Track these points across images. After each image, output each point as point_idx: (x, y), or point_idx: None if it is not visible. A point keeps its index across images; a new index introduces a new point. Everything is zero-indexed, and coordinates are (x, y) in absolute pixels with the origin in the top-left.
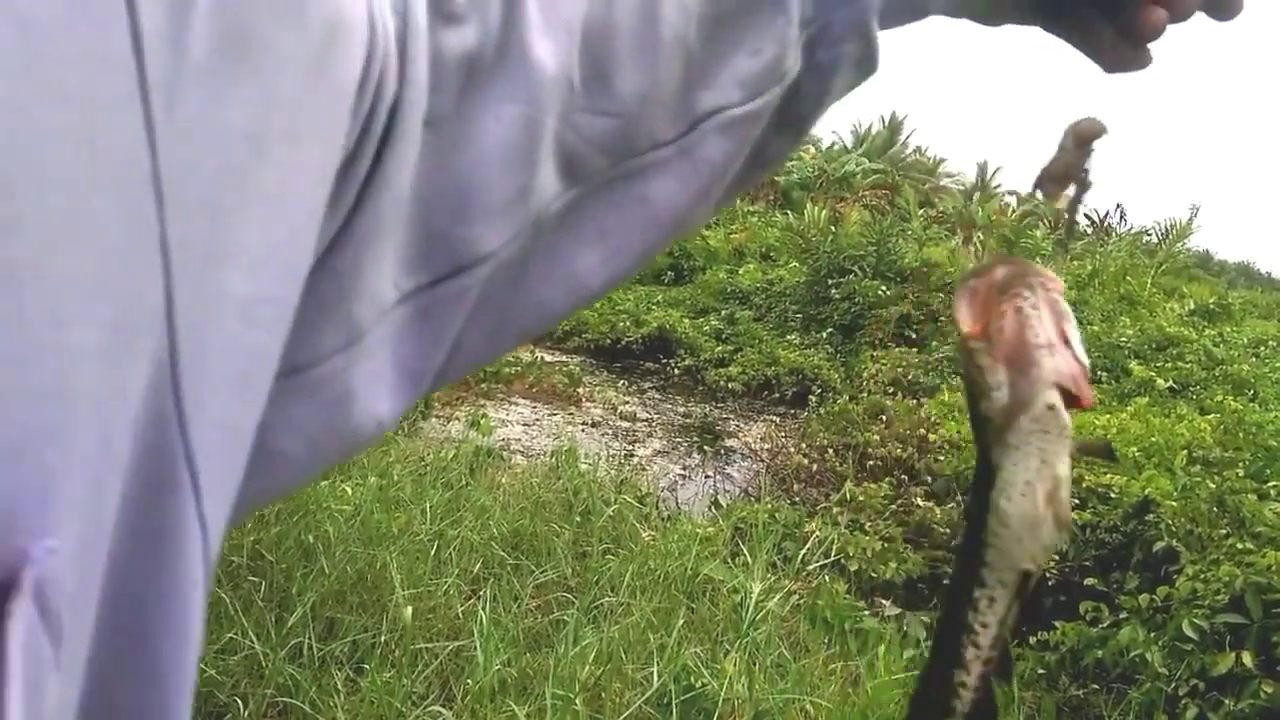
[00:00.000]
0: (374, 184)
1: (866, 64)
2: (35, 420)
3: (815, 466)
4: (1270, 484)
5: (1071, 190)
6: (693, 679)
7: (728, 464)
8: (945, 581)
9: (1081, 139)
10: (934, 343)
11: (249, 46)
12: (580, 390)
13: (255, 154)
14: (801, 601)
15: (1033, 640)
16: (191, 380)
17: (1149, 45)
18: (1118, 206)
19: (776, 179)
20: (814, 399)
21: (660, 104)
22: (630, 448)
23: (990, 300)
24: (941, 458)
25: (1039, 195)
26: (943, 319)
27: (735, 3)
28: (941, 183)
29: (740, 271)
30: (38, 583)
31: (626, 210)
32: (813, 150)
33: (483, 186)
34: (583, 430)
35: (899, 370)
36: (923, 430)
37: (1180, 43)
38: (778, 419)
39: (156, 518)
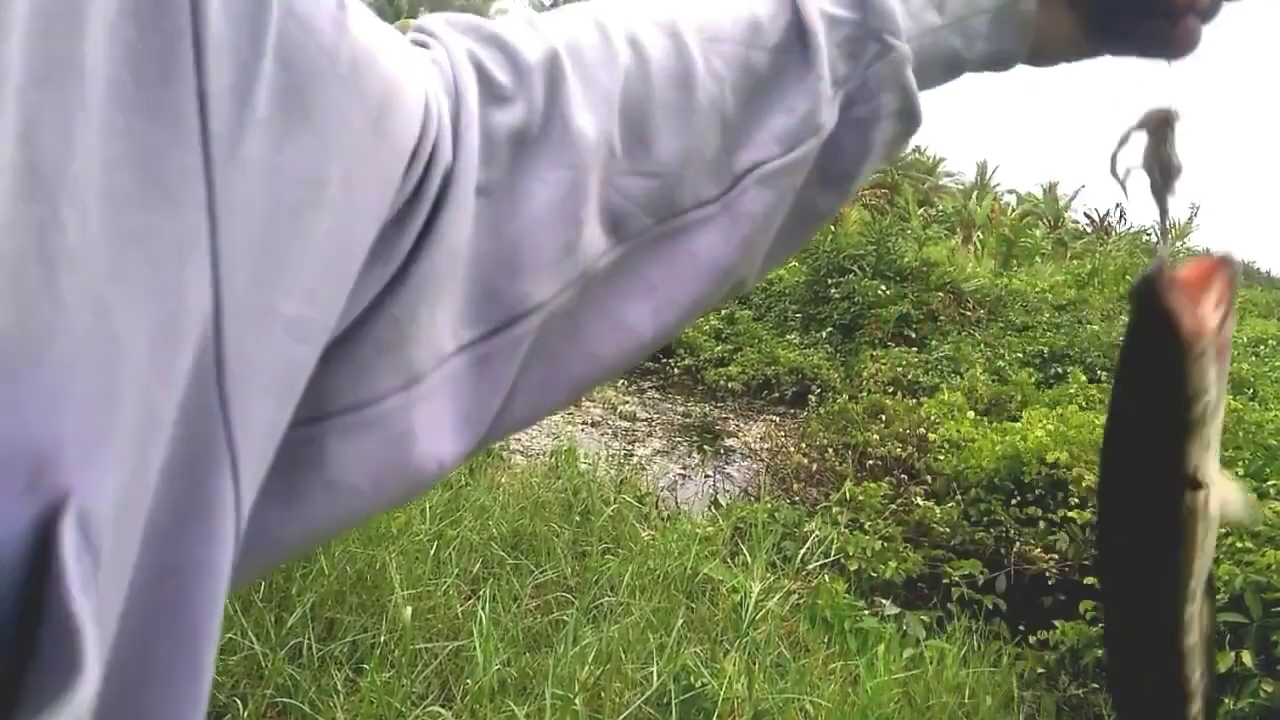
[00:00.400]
0: (428, 240)
1: (908, 116)
2: (74, 380)
3: (815, 466)
4: (1269, 483)
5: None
6: (692, 679)
7: (727, 463)
8: (945, 581)
9: (1157, 125)
10: (933, 342)
11: (309, 105)
12: None
13: (310, 196)
14: (801, 601)
15: (1032, 639)
16: (235, 378)
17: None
18: (1117, 206)
19: None
20: (814, 398)
21: (701, 165)
22: (630, 447)
23: (1197, 297)
24: (941, 457)
25: (1122, 178)
26: (942, 318)
27: (768, 68)
28: (941, 182)
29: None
30: (81, 510)
31: (674, 265)
32: None
33: (532, 245)
34: (582, 430)
35: (899, 370)
36: (922, 430)
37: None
38: (777, 418)
39: (199, 494)
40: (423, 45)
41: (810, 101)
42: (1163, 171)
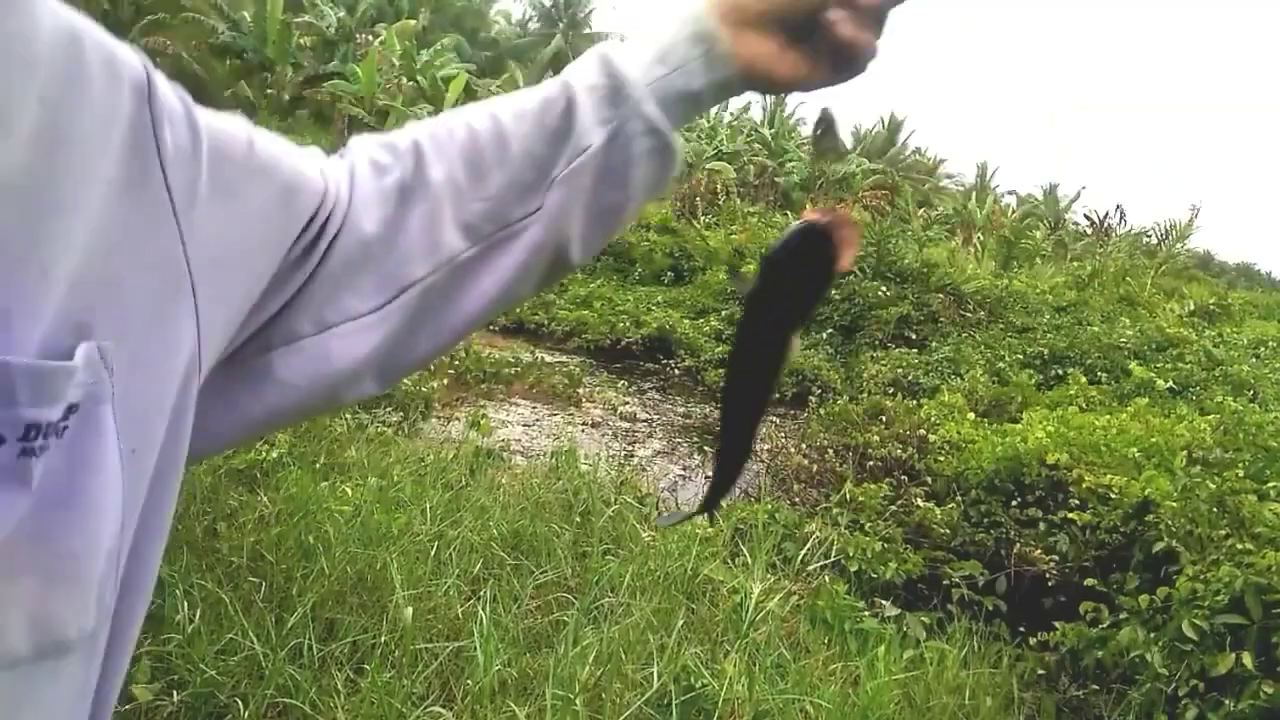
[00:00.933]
0: (329, 255)
1: (658, 135)
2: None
3: (815, 467)
4: (1270, 484)
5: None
6: (693, 679)
7: None
8: (946, 582)
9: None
10: (934, 343)
11: (233, 192)
12: (580, 391)
13: (241, 245)
14: (801, 602)
15: (1033, 640)
16: (206, 352)
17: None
18: (1118, 207)
19: (776, 180)
20: (814, 399)
21: (523, 189)
22: (630, 448)
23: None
24: (941, 458)
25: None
26: (942, 320)
27: (556, 122)
28: (941, 183)
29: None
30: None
31: (510, 253)
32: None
33: (410, 247)
34: (583, 431)
35: (899, 371)
36: (922, 431)
37: (1180, 43)
38: (778, 419)
39: (182, 425)
40: (350, 150)
41: (579, 134)
42: (825, 141)
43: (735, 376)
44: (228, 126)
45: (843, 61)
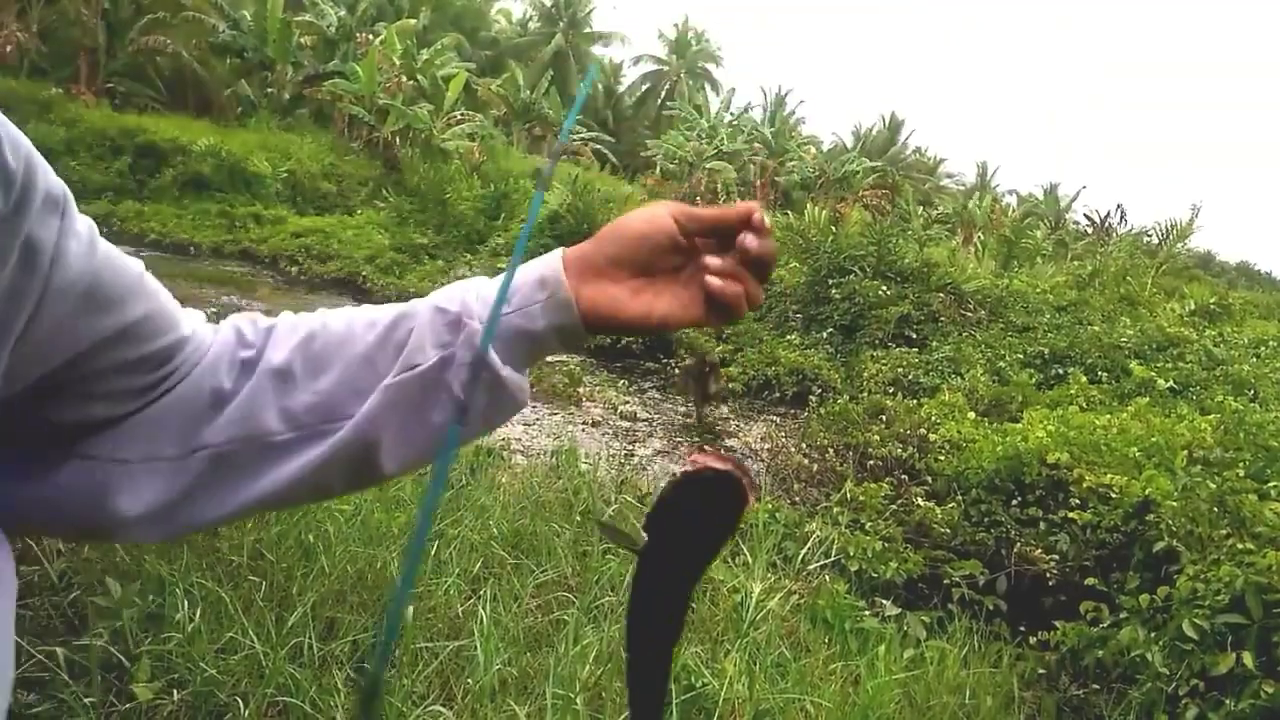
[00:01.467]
0: (165, 395)
1: (493, 388)
2: None
3: (815, 466)
4: (1270, 484)
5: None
6: (693, 679)
7: None
8: (946, 581)
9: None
10: (934, 343)
11: (107, 306)
12: (580, 390)
13: (95, 334)
14: (802, 601)
15: (1033, 640)
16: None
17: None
18: (1118, 207)
19: (777, 179)
20: (814, 399)
21: (353, 393)
22: (630, 447)
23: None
24: (942, 458)
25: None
26: (943, 319)
27: (400, 340)
28: (941, 183)
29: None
30: None
31: (322, 447)
32: (813, 150)
33: (228, 413)
34: (583, 430)
35: (899, 370)
36: (923, 430)
37: (1181, 42)
38: (778, 419)
39: None
40: (229, 318)
41: (413, 351)
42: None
43: (635, 633)
44: (129, 260)
45: (717, 307)
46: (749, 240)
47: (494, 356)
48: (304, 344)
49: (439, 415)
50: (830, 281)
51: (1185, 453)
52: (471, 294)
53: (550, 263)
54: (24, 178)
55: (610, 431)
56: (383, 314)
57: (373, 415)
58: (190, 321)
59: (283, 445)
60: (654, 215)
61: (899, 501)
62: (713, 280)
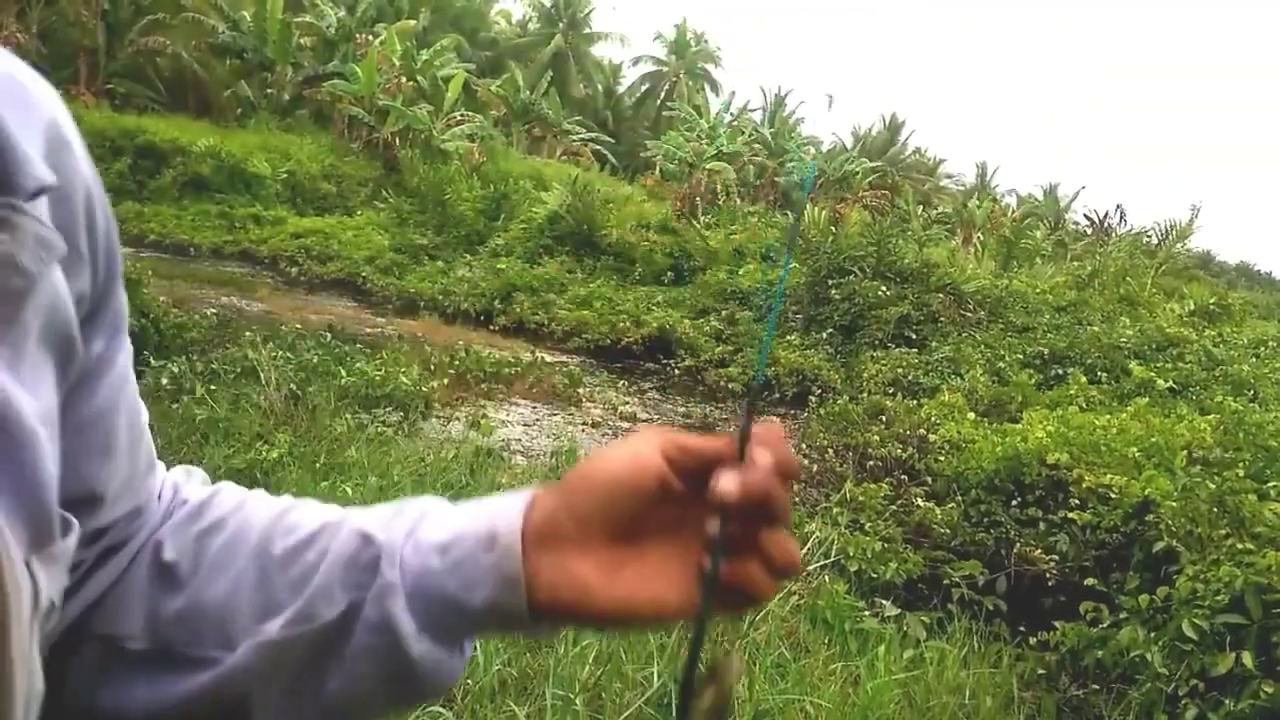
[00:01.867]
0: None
1: (396, 661)
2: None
3: (815, 466)
4: (1270, 484)
5: None
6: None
7: None
8: (946, 582)
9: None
10: (934, 343)
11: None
12: (580, 390)
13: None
14: (801, 602)
15: (1033, 640)
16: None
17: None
18: (1118, 207)
19: (777, 179)
20: (814, 399)
21: (233, 619)
22: None
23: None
24: (941, 458)
25: None
26: (942, 319)
27: (312, 563)
28: (941, 183)
29: (740, 272)
30: None
31: (198, 693)
32: (813, 151)
33: (114, 601)
34: (583, 430)
35: (899, 370)
36: (923, 430)
37: (1180, 43)
38: (778, 419)
39: None
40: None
41: (316, 594)
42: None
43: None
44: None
45: (731, 594)
46: (771, 546)
47: (405, 624)
48: (201, 537)
49: (335, 683)
50: (830, 282)
51: (1185, 453)
52: (407, 524)
53: (507, 513)
54: (106, 268)
55: (610, 432)
56: (308, 519)
57: (247, 668)
58: (158, 481)
59: (135, 656)
60: (637, 455)
61: (899, 502)
62: (708, 566)
